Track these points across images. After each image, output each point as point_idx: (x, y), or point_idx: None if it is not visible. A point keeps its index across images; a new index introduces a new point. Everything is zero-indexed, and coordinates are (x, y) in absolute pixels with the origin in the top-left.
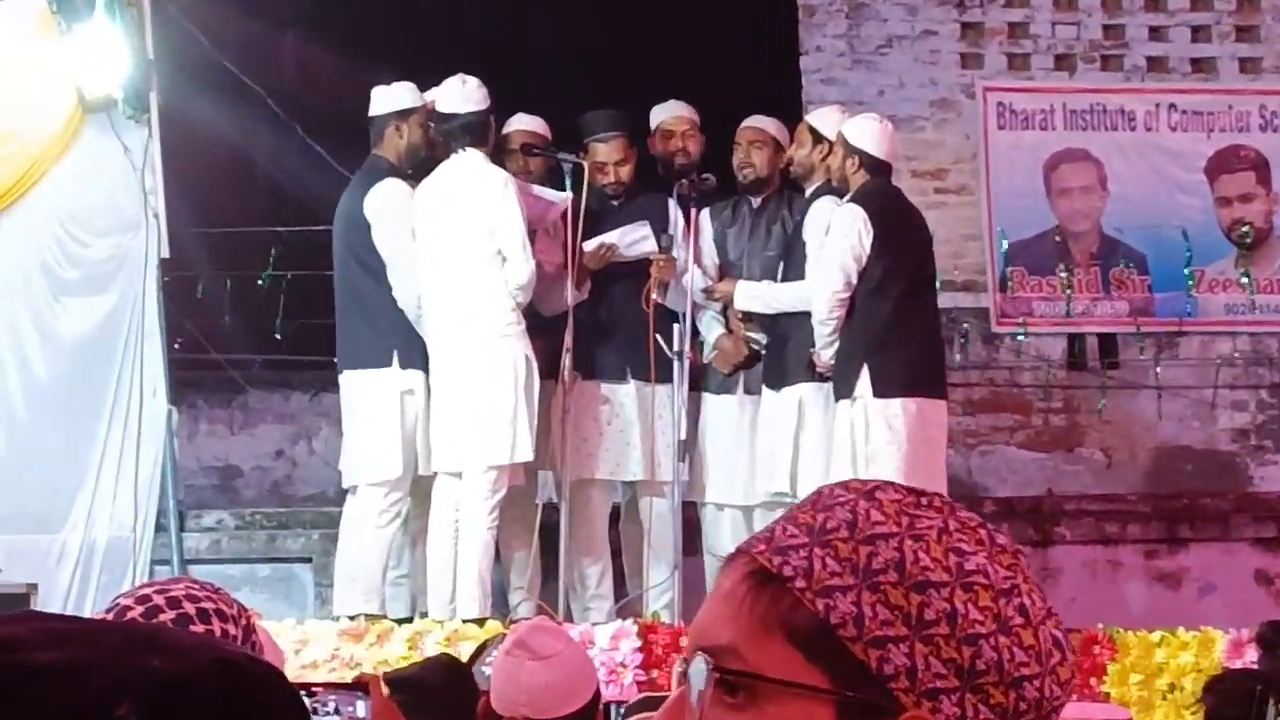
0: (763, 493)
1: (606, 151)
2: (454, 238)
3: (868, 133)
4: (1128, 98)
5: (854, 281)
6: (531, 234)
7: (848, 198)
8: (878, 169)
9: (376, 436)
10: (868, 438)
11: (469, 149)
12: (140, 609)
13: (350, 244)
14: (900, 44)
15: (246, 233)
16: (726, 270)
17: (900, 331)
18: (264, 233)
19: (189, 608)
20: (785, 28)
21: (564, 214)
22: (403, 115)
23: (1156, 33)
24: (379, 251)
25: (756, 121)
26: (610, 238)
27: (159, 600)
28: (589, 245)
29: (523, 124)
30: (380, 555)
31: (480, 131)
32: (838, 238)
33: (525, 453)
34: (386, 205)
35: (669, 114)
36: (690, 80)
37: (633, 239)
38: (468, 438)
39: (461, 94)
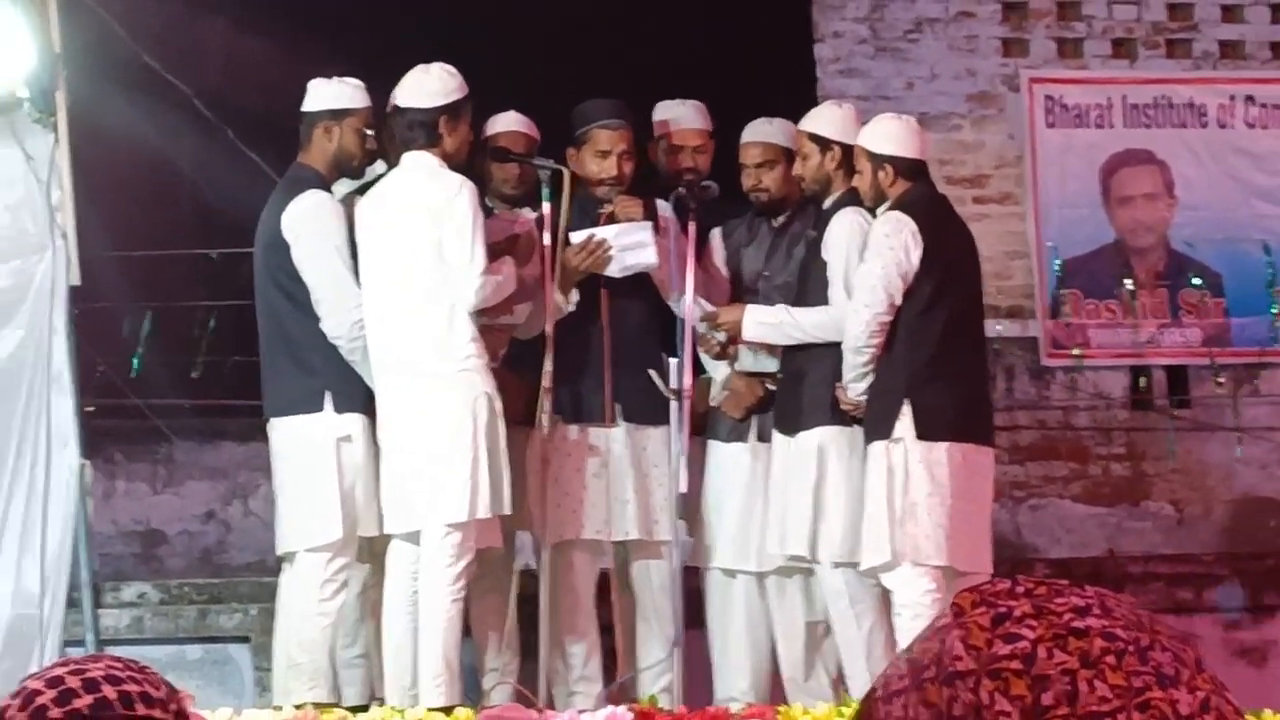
0: (776, 556)
1: (611, 139)
2: (399, 254)
3: (891, 135)
4: (1198, 89)
5: (897, 302)
6: (497, 253)
7: (886, 205)
8: (915, 171)
9: (311, 494)
10: (906, 487)
11: (419, 150)
12: (51, 693)
13: (270, 269)
14: (932, 28)
15: (170, 256)
16: (739, 298)
17: (950, 363)
18: (191, 256)
19: (109, 691)
20: (797, 10)
21: (540, 226)
22: (336, 116)
23: (1230, 13)
24: (302, 276)
25: (760, 135)
26: (605, 233)
27: (73, 683)
28: (576, 238)
29: (500, 125)
30: (325, 633)
31: (428, 129)
32: (881, 250)
33: (486, 507)
34: (307, 222)
35: (680, 124)
36: (687, 72)
37: (630, 241)
38: (420, 492)
39: (418, 85)
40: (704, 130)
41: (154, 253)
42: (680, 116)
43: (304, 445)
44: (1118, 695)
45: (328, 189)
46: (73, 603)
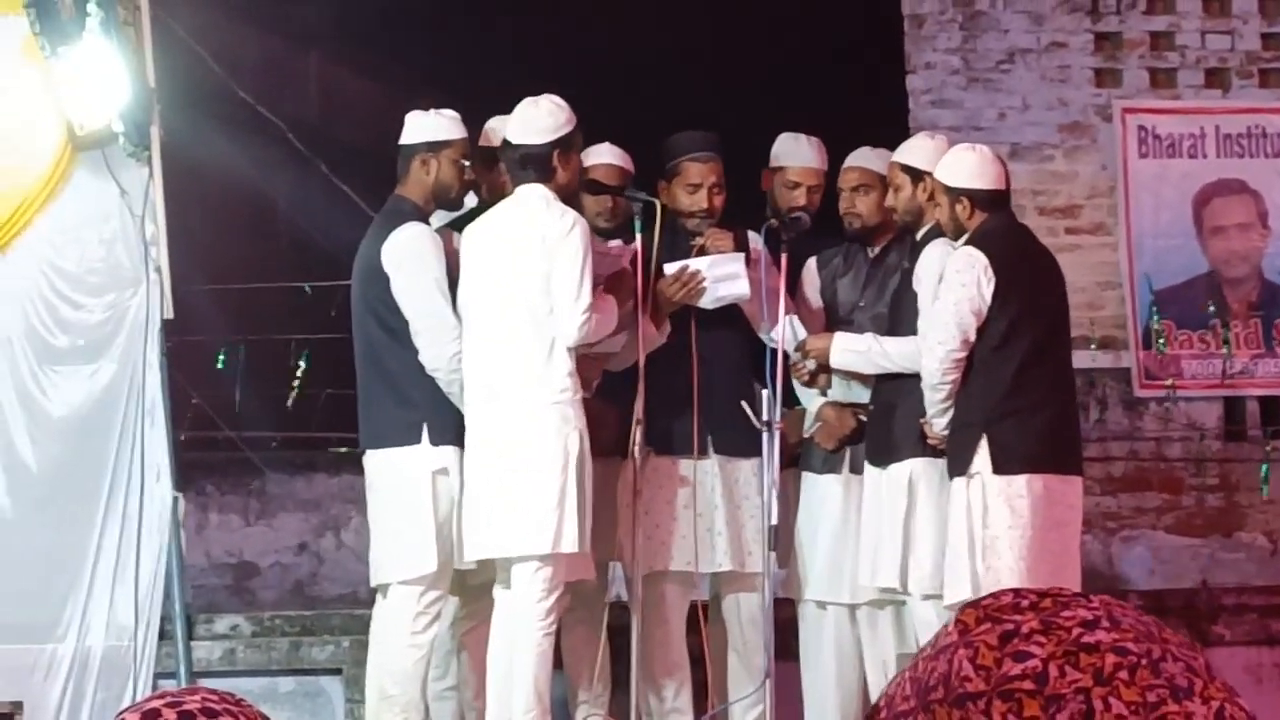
0: (868, 589)
1: (702, 172)
2: (507, 283)
3: (965, 167)
4: None
5: (971, 339)
6: (599, 288)
7: (964, 239)
8: (993, 203)
9: (406, 526)
10: (985, 521)
11: (531, 185)
12: None
13: (369, 301)
14: (1024, 59)
15: (264, 290)
16: (834, 329)
17: (1027, 396)
18: (284, 289)
19: None
20: (890, 42)
21: (632, 260)
22: (433, 148)
23: None
24: (401, 308)
25: (859, 160)
26: (698, 264)
27: (170, 715)
28: (670, 269)
29: (594, 158)
30: (418, 665)
31: (541, 164)
32: (953, 287)
33: (572, 542)
34: (407, 253)
35: (802, 162)
36: (779, 105)
37: (723, 273)
38: (505, 519)
39: (529, 120)
40: (822, 170)
41: (247, 286)
42: (803, 155)
43: (400, 477)
44: (1133, 712)
45: (426, 221)
46: (165, 634)
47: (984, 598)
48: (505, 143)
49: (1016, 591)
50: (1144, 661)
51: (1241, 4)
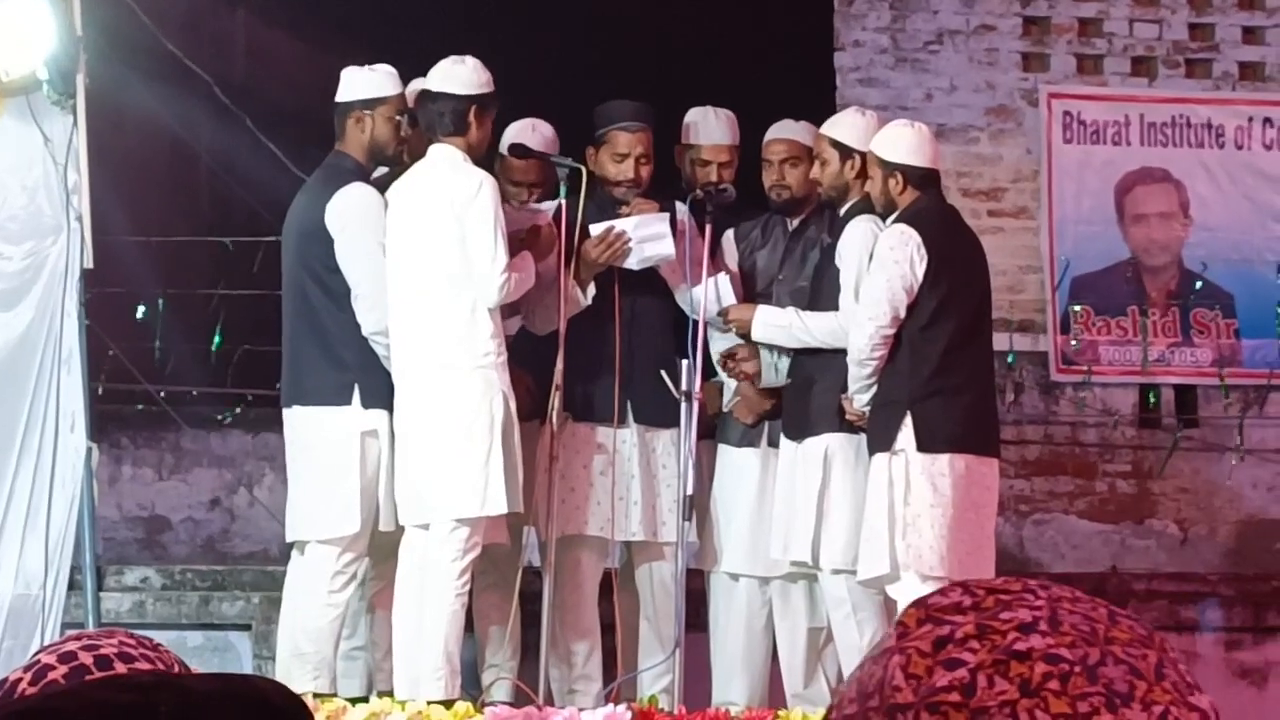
0: (780, 562)
1: (629, 141)
2: (423, 249)
3: (903, 143)
4: (1216, 109)
5: (901, 316)
6: (517, 246)
7: (895, 216)
8: (926, 181)
9: (331, 485)
10: (908, 498)
11: (443, 141)
12: (64, 668)
13: (306, 259)
14: (953, 40)
15: (185, 243)
16: (751, 300)
17: (952, 376)
18: (205, 243)
19: (121, 668)
20: (819, 19)
21: (556, 221)
22: (369, 105)
23: (1251, 34)
24: (343, 270)
25: (787, 132)
26: (624, 224)
27: (86, 659)
28: (595, 230)
29: (516, 131)
30: (334, 624)
31: (458, 117)
32: (886, 263)
33: (498, 504)
34: (353, 216)
35: (711, 139)
36: (708, 75)
37: (648, 233)
38: (432, 485)
39: (452, 73)
40: (733, 146)
41: (169, 239)
42: (712, 130)
43: (328, 436)
44: None
45: (368, 179)
46: (74, 585)
47: (930, 595)
48: (424, 93)
49: (965, 586)
50: (1078, 669)
51: None
